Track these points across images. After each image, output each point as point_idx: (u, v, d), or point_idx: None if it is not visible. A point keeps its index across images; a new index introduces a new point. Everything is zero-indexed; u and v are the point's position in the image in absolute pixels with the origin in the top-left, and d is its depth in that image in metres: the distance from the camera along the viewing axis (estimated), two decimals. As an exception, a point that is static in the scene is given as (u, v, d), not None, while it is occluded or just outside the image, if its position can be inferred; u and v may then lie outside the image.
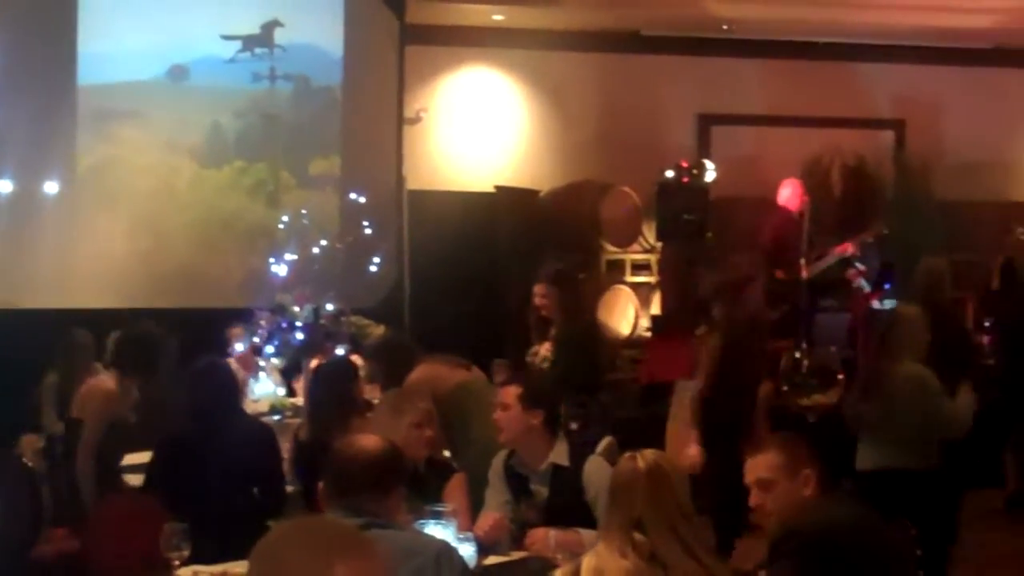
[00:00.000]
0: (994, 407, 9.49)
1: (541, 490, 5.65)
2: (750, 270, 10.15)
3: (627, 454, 4.57)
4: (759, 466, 4.51)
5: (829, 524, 4.21)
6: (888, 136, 14.56)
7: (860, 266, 11.97)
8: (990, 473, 9.75)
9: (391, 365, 7.42)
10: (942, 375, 6.85)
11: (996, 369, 9.78)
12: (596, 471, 5.54)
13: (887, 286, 11.08)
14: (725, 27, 13.77)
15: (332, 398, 6.87)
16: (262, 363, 9.70)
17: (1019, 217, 13.28)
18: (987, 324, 10.79)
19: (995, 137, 14.72)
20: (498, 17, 13.52)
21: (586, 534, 5.21)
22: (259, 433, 6.69)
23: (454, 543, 4.71)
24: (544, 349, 8.18)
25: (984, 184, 14.44)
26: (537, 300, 8.45)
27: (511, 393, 5.69)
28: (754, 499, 4.48)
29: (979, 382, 8.95)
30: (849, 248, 11.94)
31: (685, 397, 9.61)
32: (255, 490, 6.39)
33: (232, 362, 8.74)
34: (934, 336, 7.04)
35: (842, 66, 14.41)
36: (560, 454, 5.67)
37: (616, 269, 13.52)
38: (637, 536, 4.29)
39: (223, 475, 6.14)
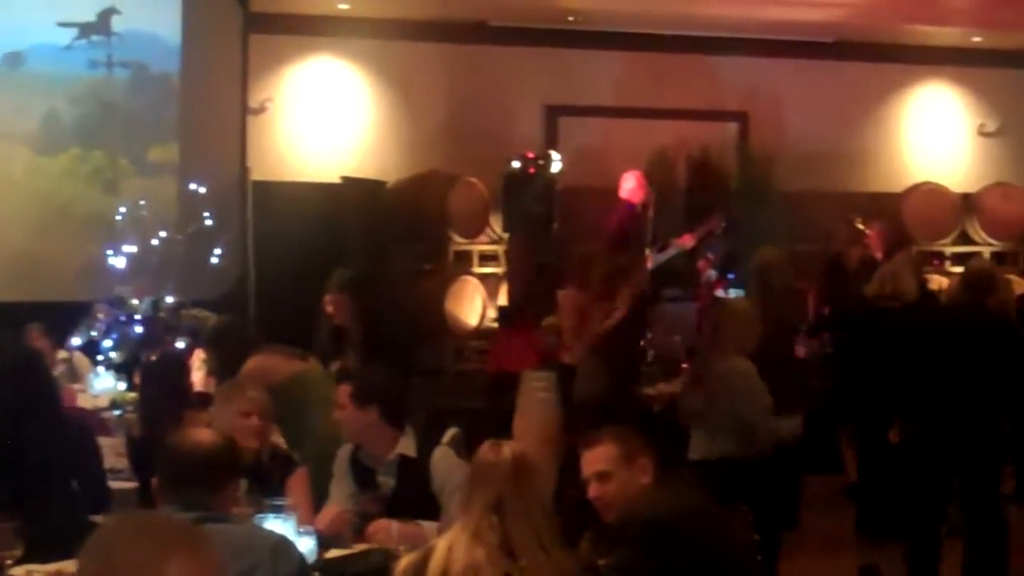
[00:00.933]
0: (831, 397, 9.66)
1: (388, 481, 5.60)
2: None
3: (491, 442, 4.53)
4: (596, 459, 4.51)
5: (667, 510, 4.21)
6: (732, 128, 14.71)
7: (710, 255, 12.14)
8: (833, 459, 9.92)
9: (225, 353, 7.29)
10: (766, 367, 6.92)
11: (830, 360, 9.91)
12: (441, 461, 5.51)
13: (731, 276, 11.22)
14: (572, 18, 13.80)
15: (162, 392, 6.75)
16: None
17: (859, 208, 13.54)
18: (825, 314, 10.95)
19: (836, 129, 14.98)
20: (344, 6, 13.38)
21: (428, 526, 5.17)
22: (74, 430, 6.48)
23: (294, 537, 4.64)
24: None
25: (825, 175, 14.67)
26: (329, 308, 8.38)
27: (343, 392, 5.66)
28: (593, 491, 4.47)
29: (803, 376, 9.17)
30: (692, 239, 12.09)
31: (532, 388, 9.62)
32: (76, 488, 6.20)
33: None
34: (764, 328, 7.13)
35: (687, 58, 14.52)
36: (407, 445, 5.62)
37: (464, 260, 13.48)
38: (494, 519, 4.26)
39: (41, 473, 5.95)
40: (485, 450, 4.50)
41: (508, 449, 4.44)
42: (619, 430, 4.65)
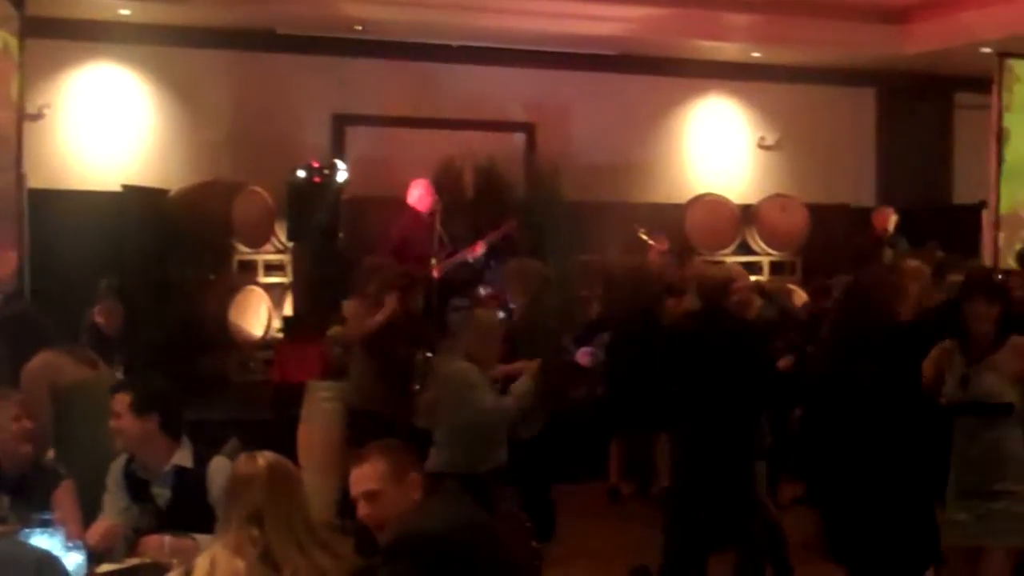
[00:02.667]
0: (599, 404, 9.78)
1: (163, 493, 5.45)
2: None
3: (246, 454, 4.45)
4: (364, 478, 4.40)
5: (441, 524, 4.18)
6: (519, 139, 14.83)
7: (493, 265, 12.19)
8: (599, 466, 10.04)
9: (12, 343, 6.97)
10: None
11: (605, 368, 10.03)
12: (219, 471, 5.38)
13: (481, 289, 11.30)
14: (359, 28, 13.74)
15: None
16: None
17: (642, 218, 13.78)
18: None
19: (620, 141, 15.23)
20: (125, 12, 13.05)
21: (202, 539, 5.04)
22: None
23: (61, 552, 4.50)
24: None
25: (610, 186, 14.89)
26: (98, 318, 8.15)
27: (122, 401, 5.48)
28: (362, 511, 4.39)
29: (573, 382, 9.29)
30: (480, 248, 12.13)
31: (317, 398, 9.54)
32: None
33: None
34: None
35: (475, 69, 14.59)
36: (184, 456, 5.49)
37: (248, 270, 13.31)
38: (254, 532, 4.18)
39: None
40: (241, 463, 4.42)
41: (264, 460, 4.35)
42: (387, 446, 4.55)
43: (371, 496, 4.38)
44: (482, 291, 11.79)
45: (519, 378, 7.19)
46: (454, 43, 14.32)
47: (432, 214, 11.96)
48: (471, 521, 4.26)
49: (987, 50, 13.45)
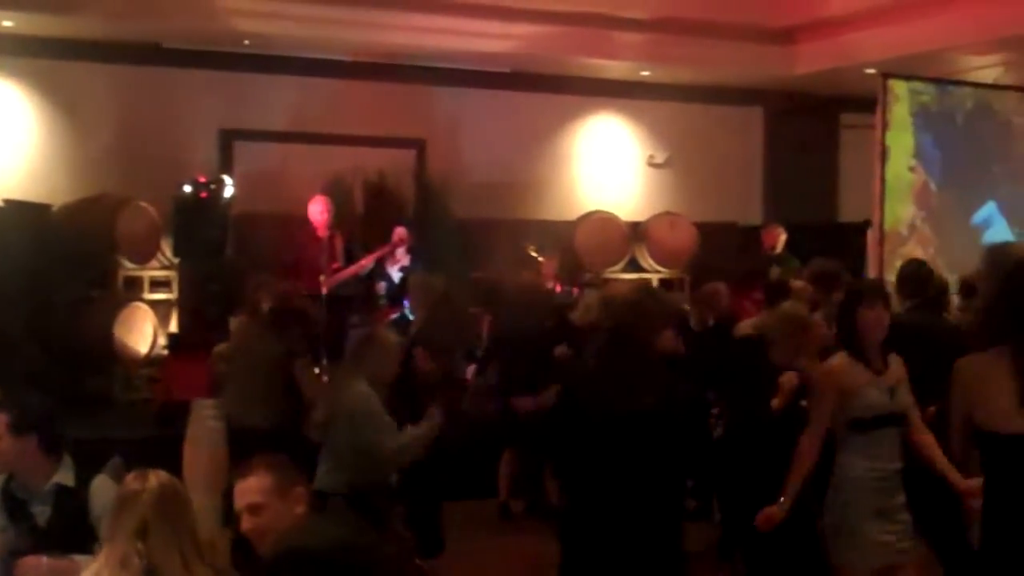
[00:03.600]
0: (491, 421, 9.75)
1: (44, 511, 5.32)
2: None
3: (138, 471, 4.38)
4: (247, 491, 4.34)
5: (323, 542, 4.11)
6: (410, 155, 14.76)
7: (384, 281, 12.12)
8: (490, 483, 10.01)
9: None
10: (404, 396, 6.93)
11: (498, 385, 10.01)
12: (100, 489, 5.28)
13: (405, 302, 11.21)
14: (247, 42, 13.61)
15: None
16: None
17: (531, 235, 13.79)
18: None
19: (511, 158, 15.27)
20: (8, 23, 12.80)
21: (82, 560, 4.92)
22: None
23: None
24: None
25: (501, 203, 14.91)
26: None
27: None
28: (245, 524, 4.32)
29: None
30: (367, 262, 12.06)
31: (202, 416, 9.39)
32: None
33: None
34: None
35: (365, 85, 14.52)
36: (65, 475, 5.36)
37: (134, 286, 13.10)
38: (140, 546, 4.15)
39: None
40: (131, 479, 4.37)
41: (154, 478, 4.32)
42: (272, 459, 4.49)
43: (255, 509, 4.32)
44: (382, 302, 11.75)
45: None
46: (344, 59, 14.23)
47: (324, 230, 11.86)
48: (354, 539, 4.19)
49: (871, 71, 13.64)
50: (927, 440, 5.81)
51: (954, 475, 5.46)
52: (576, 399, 5.91)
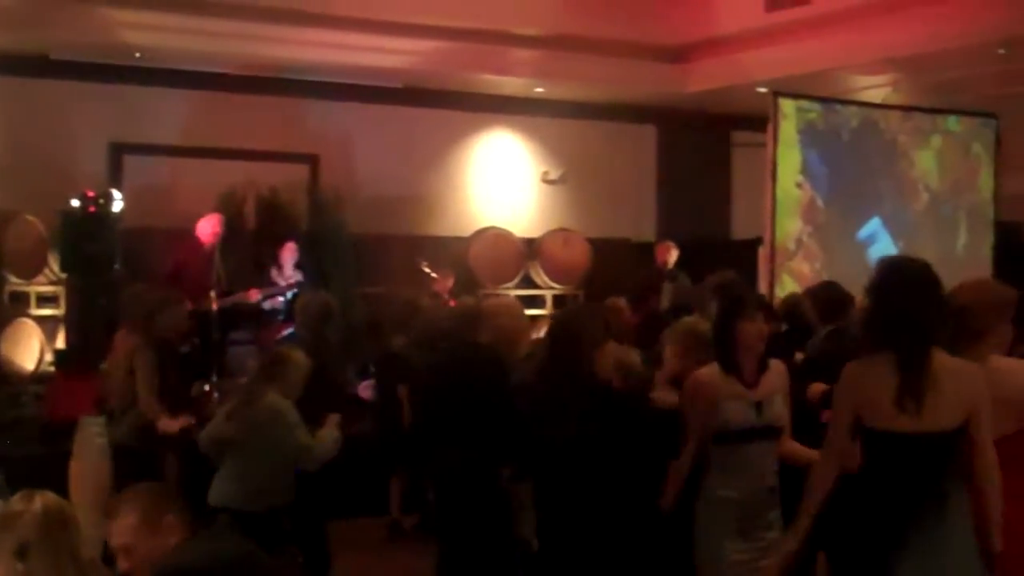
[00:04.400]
0: (381, 438, 9.70)
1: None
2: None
3: (25, 491, 4.29)
4: (117, 533, 4.27)
5: (202, 559, 4.06)
6: (303, 170, 14.67)
7: (279, 297, 12.03)
8: (380, 501, 9.98)
9: None
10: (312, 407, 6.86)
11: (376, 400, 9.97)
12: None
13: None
14: (138, 55, 13.44)
15: None
16: None
17: (425, 251, 13.78)
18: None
19: (405, 173, 15.25)
20: None
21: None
22: None
23: None
24: None
25: (395, 219, 14.89)
26: None
27: None
28: (122, 565, 4.25)
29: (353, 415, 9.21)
30: (255, 296, 11.95)
31: (89, 434, 9.23)
32: None
33: None
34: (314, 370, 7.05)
35: (258, 99, 14.41)
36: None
37: (20, 301, 12.89)
38: (19, 566, 4.07)
39: None
40: (16, 499, 4.28)
41: (40, 499, 4.20)
42: (137, 495, 4.39)
43: (126, 550, 4.25)
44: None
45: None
46: (236, 72, 14.11)
47: (214, 245, 11.71)
48: (235, 556, 4.15)
49: (763, 89, 13.81)
50: (793, 447, 5.79)
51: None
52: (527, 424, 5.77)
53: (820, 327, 7.81)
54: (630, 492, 5.66)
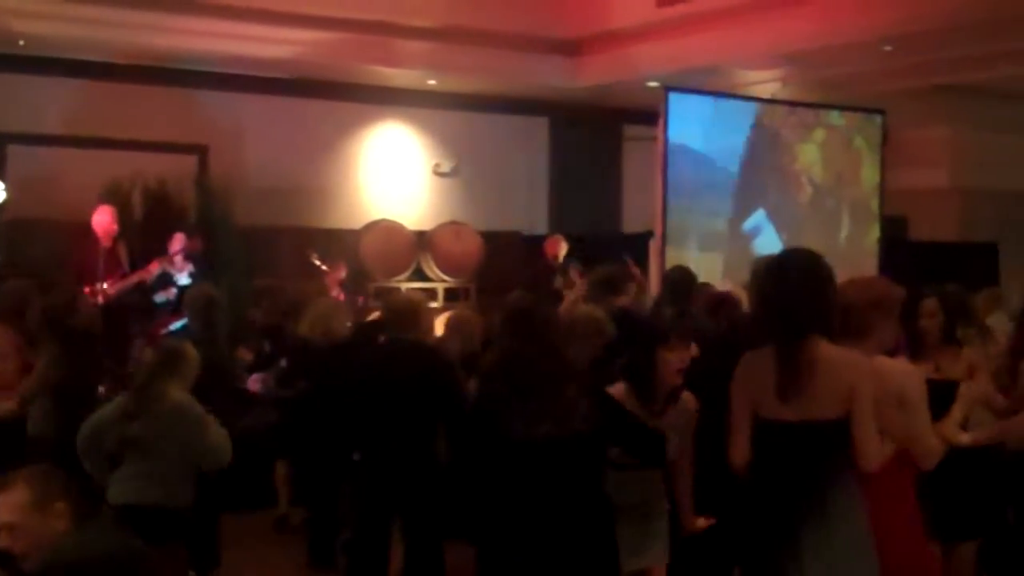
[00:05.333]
0: (272, 432, 9.63)
1: None
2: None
3: None
4: (4, 508, 4.18)
5: (86, 552, 3.98)
6: (192, 161, 14.48)
7: (172, 288, 11.86)
8: (264, 495, 9.92)
9: None
10: (201, 400, 6.78)
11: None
12: None
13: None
14: (22, 43, 13.20)
15: None
16: None
17: (316, 243, 13.69)
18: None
19: (296, 165, 15.14)
20: None
21: None
22: None
23: None
24: None
25: (285, 210, 14.78)
26: None
27: None
28: (3, 541, 4.16)
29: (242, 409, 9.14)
30: (153, 270, 11.78)
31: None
32: None
33: None
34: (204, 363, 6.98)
35: (146, 89, 14.22)
36: None
37: None
38: None
39: None
40: None
41: None
42: (34, 473, 4.31)
43: (12, 527, 4.16)
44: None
45: None
46: (123, 62, 13.91)
47: (105, 236, 11.53)
48: (119, 550, 4.07)
49: (654, 84, 13.92)
50: (683, 486, 5.93)
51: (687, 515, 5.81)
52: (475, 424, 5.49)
53: (667, 309, 7.98)
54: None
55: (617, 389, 5.67)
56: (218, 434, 6.76)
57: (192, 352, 6.94)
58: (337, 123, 15.61)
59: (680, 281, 8.41)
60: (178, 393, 6.65)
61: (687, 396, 5.86)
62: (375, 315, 8.74)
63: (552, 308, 6.47)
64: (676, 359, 5.70)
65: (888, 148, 14.88)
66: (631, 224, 16.97)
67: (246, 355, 10.56)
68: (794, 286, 4.75)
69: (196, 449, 6.62)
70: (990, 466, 6.64)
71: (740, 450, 4.89)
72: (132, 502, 6.37)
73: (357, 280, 13.64)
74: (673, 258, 12.63)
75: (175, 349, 6.99)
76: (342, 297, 12.41)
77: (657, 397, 5.70)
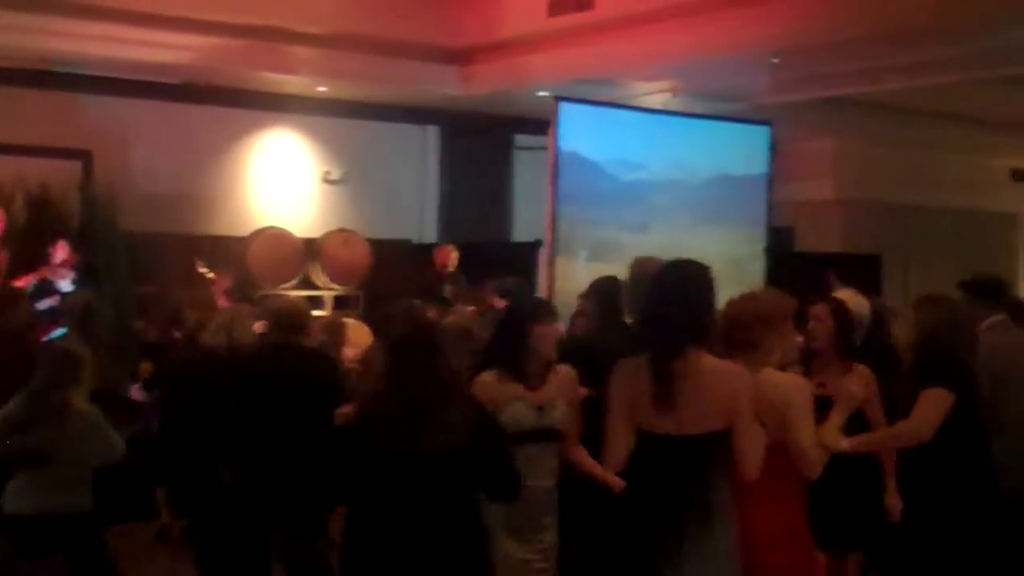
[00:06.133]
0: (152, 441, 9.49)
1: None
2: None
3: None
4: None
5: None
6: (75, 166, 14.19)
7: (55, 296, 11.65)
8: (145, 506, 9.79)
9: None
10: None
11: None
12: None
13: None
14: None
15: None
16: None
17: (203, 251, 13.53)
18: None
19: (182, 171, 14.95)
20: None
21: None
22: None
23: None
24: None
25: (171, 217, 14.56)
26: None
27: None
28: None
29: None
30: (32, 279, 11.58)
31: None
32: None
33: None
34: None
35: (28, 93, 13.91)
36: None
37: None
38: None
39: None
40: None
41: None
42: None
43: None
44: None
45: None
46: (4, 65, 13.61)
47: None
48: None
49: (544, 93, 13.93)
50: (581, 455, 5.75)
51: (612, 479, 5.12)
52: (355, 434, 5.17)
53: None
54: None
55: (485, 374, 5.68)
56: (119, 442, 6.67)
57: (88, 356, 6.82)
58: (225, 129, 15.43)
59: (603, 289, 8.32)
60: (82, 404, 6.53)
61: (563, 368, 5.83)
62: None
63: (437, 322, 6.43)
64: (548, 333, 5.69)
65: (775, 160, 15.03)
66: (521, 233, 16.98)
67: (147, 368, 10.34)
68: (675, 300, 4.74)
69: (97, 456, 6.52)
70: (871, 473, 6.61)
71: (616, 459, 4.88)
72: (30, 512, 6.25)
73: (243, 288, 13.47)
74: (562, 267, 12.67)
75: (73, 354, 6.83)
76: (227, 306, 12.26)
77: (531, 373, 5.68)
